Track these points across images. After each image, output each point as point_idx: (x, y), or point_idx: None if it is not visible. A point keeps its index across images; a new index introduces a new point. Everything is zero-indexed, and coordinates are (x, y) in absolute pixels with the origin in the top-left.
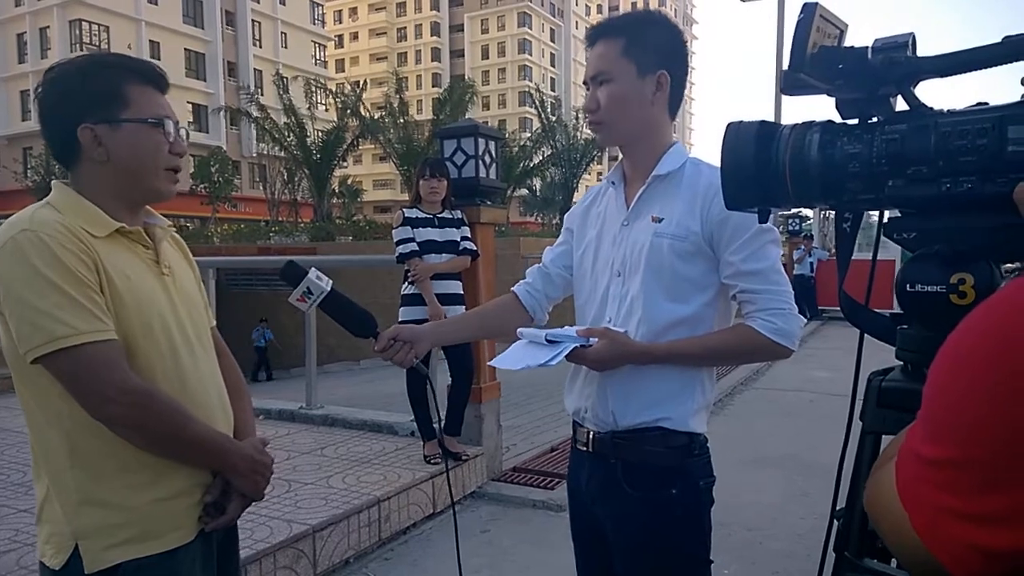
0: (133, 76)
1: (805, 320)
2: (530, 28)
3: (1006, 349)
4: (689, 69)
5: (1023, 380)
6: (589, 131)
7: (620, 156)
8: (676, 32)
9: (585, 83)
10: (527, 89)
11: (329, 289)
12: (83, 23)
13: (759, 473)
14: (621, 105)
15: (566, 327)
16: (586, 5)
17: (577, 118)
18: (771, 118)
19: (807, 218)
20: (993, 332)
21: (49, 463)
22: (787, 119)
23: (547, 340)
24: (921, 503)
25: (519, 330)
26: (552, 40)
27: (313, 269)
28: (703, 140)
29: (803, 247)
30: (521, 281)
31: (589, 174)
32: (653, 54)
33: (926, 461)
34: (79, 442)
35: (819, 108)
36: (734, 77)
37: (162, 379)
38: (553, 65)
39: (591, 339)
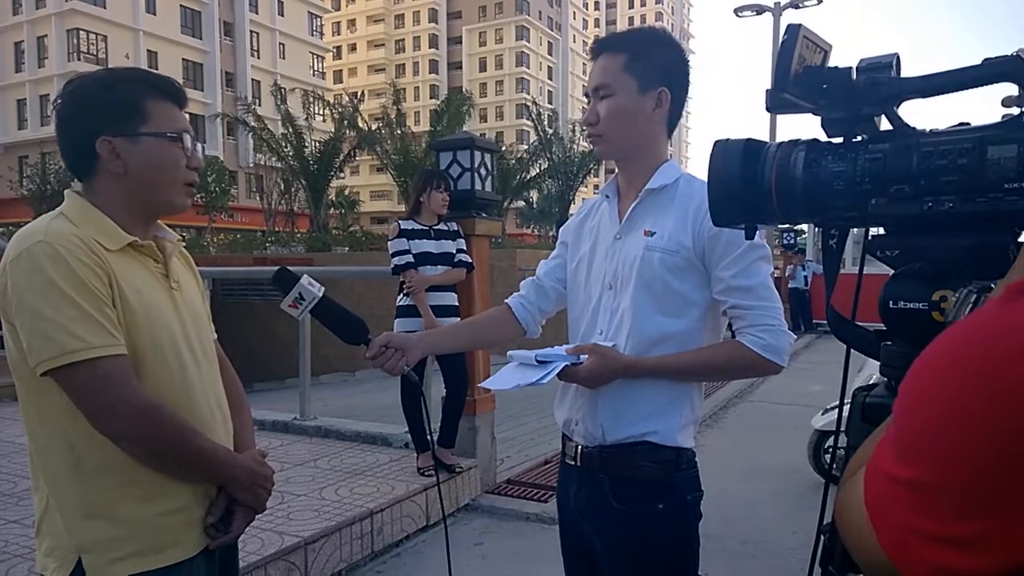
0: (152, 90)
1: (800, 333)
2: (528, 41)
3: (986, 371)
4: (689, 89)
5: (1004, 402)
6: (587, 143)
7: (616, 170)
8: (680, 52)
9: (586, 95)
10: (524, 102)
11: (321, 295)
12: (81, 32)
13: (753, 486)
14: (620, 119)
15: (556, 347)
16: (583, 19)
17: (574, 131)
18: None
19: (801, 232)
20: (971, 353)
21: (51, 476)
22: (782, 134)
23: (537, 360)
24: (891, 522)
25: (509, 352)
26: (550, 53)
27: (305, 275)
28: (700, 155)
29: (793, 263)
30: (515, 293)
31: (586, 186)
32: (655, 71)
33: (898, 481)
34: (84, 455)
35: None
36: (731, 91)
37: (168, 393)
38: (550, 78)
39: (581, 356)
